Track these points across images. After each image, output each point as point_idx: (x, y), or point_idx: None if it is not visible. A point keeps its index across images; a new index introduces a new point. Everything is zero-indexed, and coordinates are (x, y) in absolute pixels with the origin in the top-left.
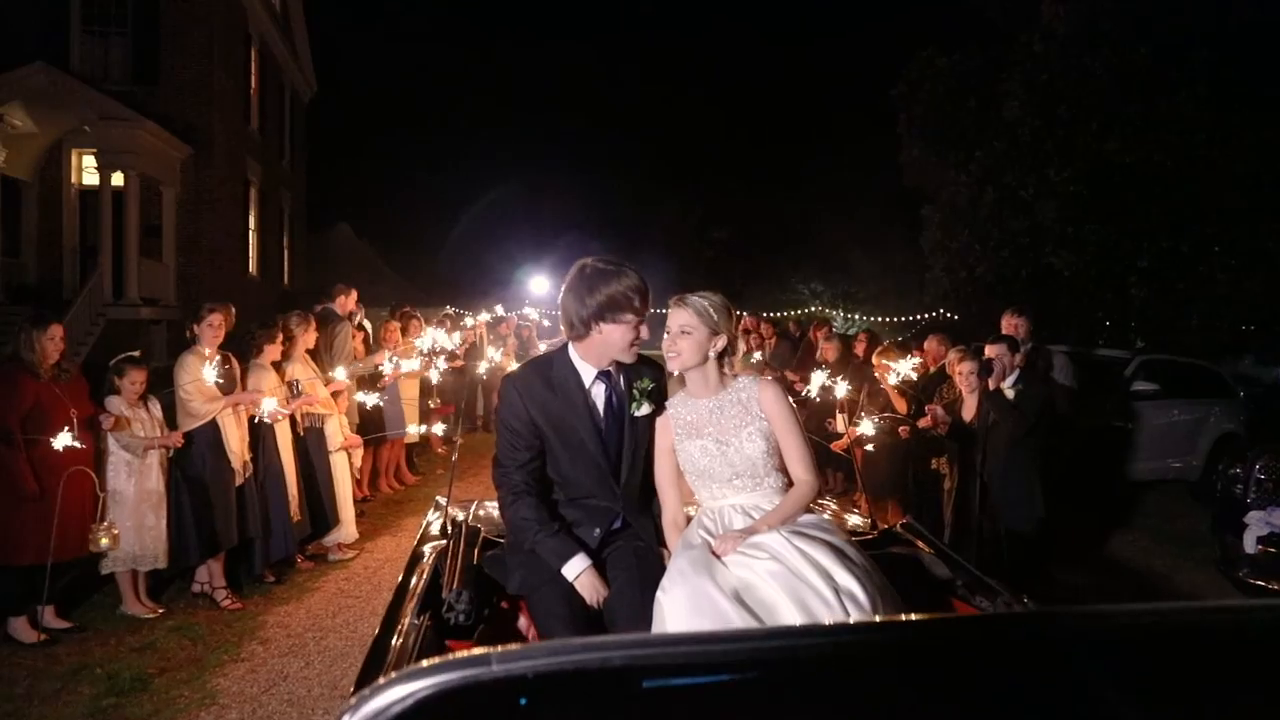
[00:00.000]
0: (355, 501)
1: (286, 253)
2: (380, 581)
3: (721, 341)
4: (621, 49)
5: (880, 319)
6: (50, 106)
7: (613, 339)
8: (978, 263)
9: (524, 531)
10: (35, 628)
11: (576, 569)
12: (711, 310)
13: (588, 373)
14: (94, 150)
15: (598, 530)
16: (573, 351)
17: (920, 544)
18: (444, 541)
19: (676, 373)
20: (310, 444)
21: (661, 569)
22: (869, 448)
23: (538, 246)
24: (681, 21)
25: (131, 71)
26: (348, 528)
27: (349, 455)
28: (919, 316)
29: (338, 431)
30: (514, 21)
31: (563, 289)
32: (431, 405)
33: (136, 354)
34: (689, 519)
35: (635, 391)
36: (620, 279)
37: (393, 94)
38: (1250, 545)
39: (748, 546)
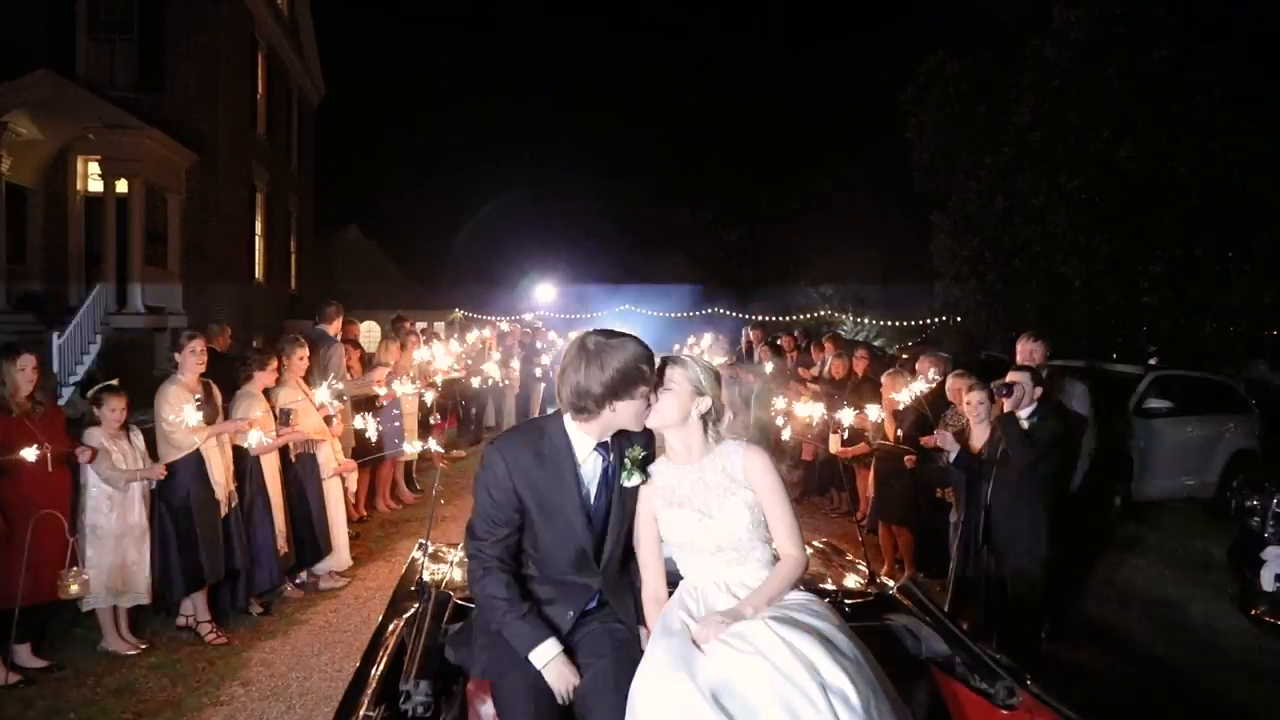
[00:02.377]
0: (351, 523)
1: (294, 257)
2: (369, 614)
3: (705, 403)
4: (630, 52)
5: (889, 323)
6: (55, 114)
7: (625, 416)
8: (988, 270)
9: (492, 611)
10: (8, 667)
11: (545, 656)
12: (698, 370)
13: (584, 445)
14: (99, 157)
15: (571, 612)
16: (570, 422)
17: (918, 612)
18: (414, 607)
19: (654, 428)
20: (302, 470)
21: (639, 653)
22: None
23: (546, 249)
24: (691, 23)
25: (137, 78)
26: (340, 555)
27: (343, 479)
28: (928, 321)
29: (330, 457)
30: (523, 23)
31: (561, 366)
32: (432, 421)
33: (114, 382)
34: (671, 589)
35: (626, 460)
36: (626, 350)
37: (404, 95)
38: (1269, 583)
39: (731, 636)
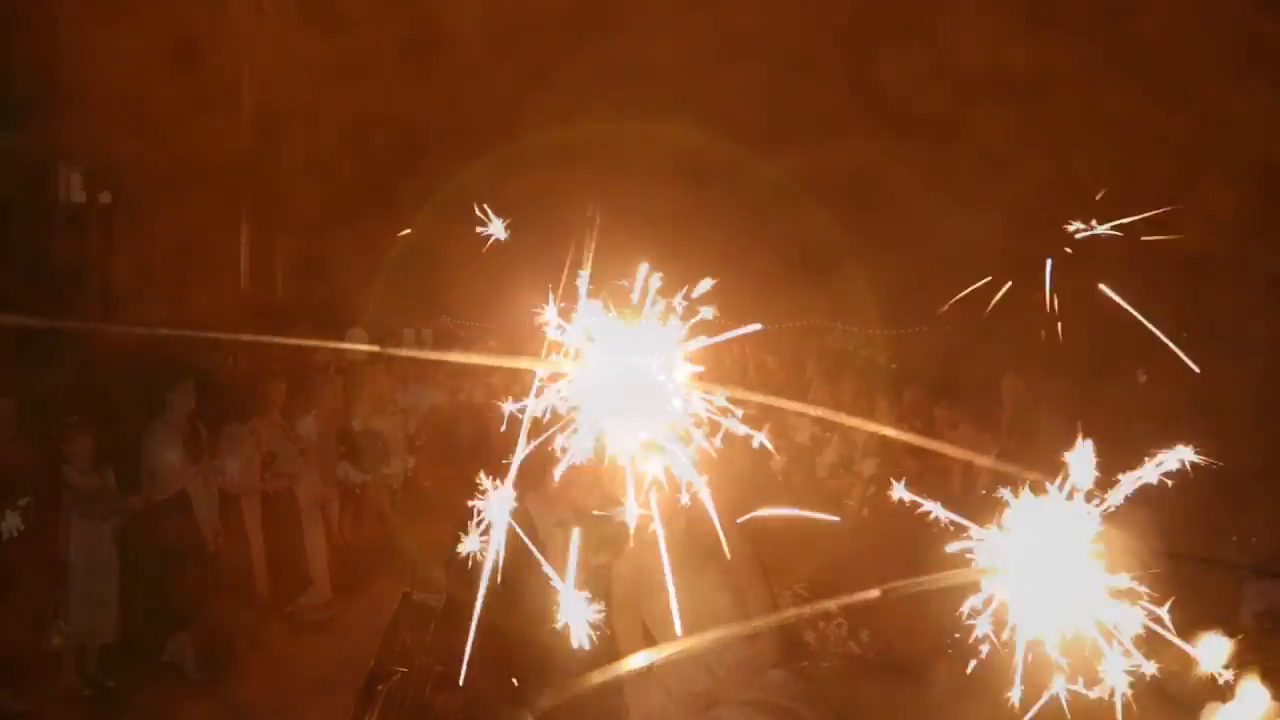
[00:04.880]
0: (334, 548)
1: (280, 263)
2: (354, 650)
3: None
4: (629, 55)
5: (880, 331)
6: (38, 123)
7: (589, 497)
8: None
9: None
10: None
11: None
12: (683, 456)
13: (545, 522)
14: (82, 169)
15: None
16: (529, 500)
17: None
18: (398, 673)
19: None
20: (281, 506)
21: None
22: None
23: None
24: (689, 27)
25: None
26: (321, 588)
27: (323, 509)
28: (919, 329)
29: (308, 490)
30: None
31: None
32: (418, 444)
33: (76, 418)
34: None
35: (595, 539)
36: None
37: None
38: (1246, 619)
39: None
